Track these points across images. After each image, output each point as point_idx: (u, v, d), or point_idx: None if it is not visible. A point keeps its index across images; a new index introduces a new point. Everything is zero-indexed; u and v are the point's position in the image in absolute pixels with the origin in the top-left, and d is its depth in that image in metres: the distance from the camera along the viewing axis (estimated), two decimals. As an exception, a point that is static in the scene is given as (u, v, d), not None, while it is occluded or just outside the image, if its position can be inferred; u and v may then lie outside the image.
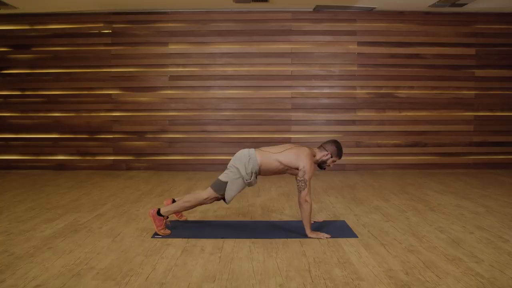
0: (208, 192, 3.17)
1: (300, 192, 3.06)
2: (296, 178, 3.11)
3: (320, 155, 3.23)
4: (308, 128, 6.53)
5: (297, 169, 3.12)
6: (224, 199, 3.20)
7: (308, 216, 3.06)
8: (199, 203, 3.20)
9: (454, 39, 6.51)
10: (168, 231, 3.15)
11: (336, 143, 3.25)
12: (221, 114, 6.53)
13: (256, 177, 3.19)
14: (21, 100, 6.61)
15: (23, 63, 6.57)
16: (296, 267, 2.50)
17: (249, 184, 3.17)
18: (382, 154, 6.58)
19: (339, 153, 3.24)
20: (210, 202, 3.24)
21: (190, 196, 3.23)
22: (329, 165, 3.26)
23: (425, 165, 6.57)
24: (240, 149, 3.29)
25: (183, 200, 3.22)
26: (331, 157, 3.21)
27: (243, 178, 3.13)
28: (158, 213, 3.14)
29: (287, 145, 3.25)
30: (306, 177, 3.05)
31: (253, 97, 6.52)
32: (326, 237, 3.03)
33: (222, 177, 3.18)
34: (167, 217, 3.18)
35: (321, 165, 3.26)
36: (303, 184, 3.05)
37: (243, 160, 3.14)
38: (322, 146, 3.27)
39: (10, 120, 6.63)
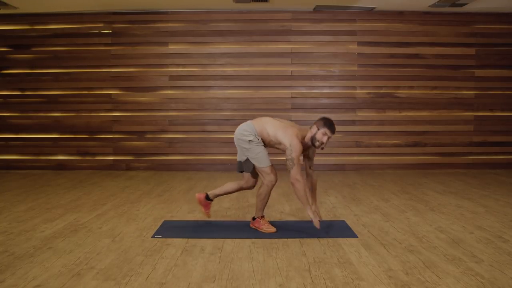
0: (244, 177, 3.34)
1: (289, 171, 3.03)
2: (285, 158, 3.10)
3: (310, 132, 3.18)
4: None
5: (283, 145, 3.12)
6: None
7: (303, 195, 3.03)
8: (240, 187, 3.38)
9: (454, 39, 6.51)
10: (209, 214, 3.44)
11: (324, 118, 3.19)
12: (221, 114, 6.53)
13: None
14: (21, 100, 6.61)
15: (23, 63, 6.57)
16: (296, 267, 2.50)
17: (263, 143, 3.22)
18: (382, 154, 6.58)
19: (326, 123, 3.12)
20: (251, 185, 3.36)
21: (232, 184, 3.42)
22: (321, 142, 3.11)
23: (425, 165, 6.57)
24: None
25: (227, 186, 3.42)
26: (318, 129, 3.12)
27: (254, 142, 3.15)
28: (207, 197, 3.38)
29: (284, 121, 3.28)
30: (294, 155, 3.02)
31: (253, 97, 6.52)
32: (320, 219, 3.19)
33: (239, 157, 3.29)
34: (212, 200, 3.43)
35: (313, 142, 3.16)
36: (291, 163, 3.03)
37: (242, 128, 3.21)
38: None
39: (10, 120, 6.63)
